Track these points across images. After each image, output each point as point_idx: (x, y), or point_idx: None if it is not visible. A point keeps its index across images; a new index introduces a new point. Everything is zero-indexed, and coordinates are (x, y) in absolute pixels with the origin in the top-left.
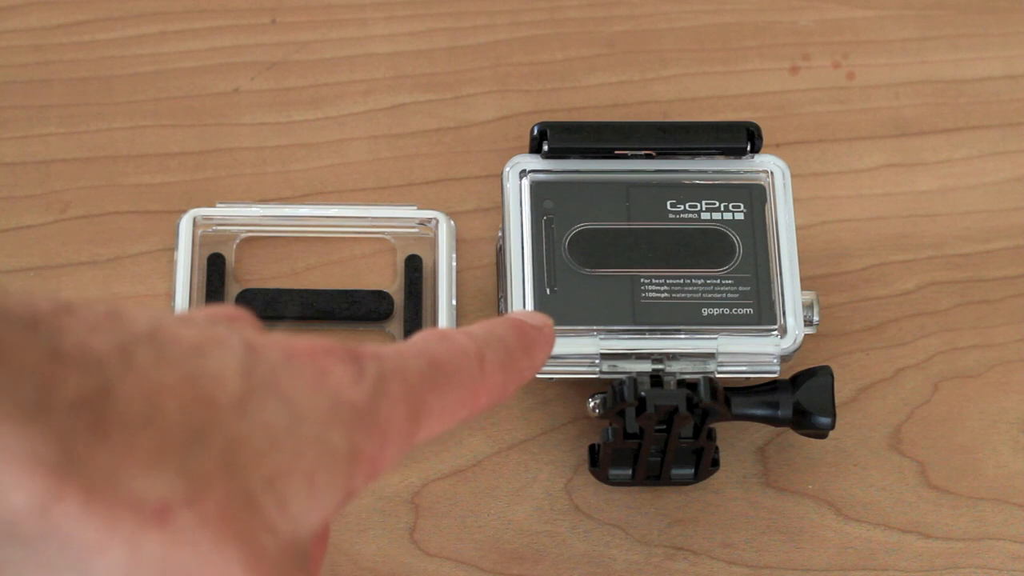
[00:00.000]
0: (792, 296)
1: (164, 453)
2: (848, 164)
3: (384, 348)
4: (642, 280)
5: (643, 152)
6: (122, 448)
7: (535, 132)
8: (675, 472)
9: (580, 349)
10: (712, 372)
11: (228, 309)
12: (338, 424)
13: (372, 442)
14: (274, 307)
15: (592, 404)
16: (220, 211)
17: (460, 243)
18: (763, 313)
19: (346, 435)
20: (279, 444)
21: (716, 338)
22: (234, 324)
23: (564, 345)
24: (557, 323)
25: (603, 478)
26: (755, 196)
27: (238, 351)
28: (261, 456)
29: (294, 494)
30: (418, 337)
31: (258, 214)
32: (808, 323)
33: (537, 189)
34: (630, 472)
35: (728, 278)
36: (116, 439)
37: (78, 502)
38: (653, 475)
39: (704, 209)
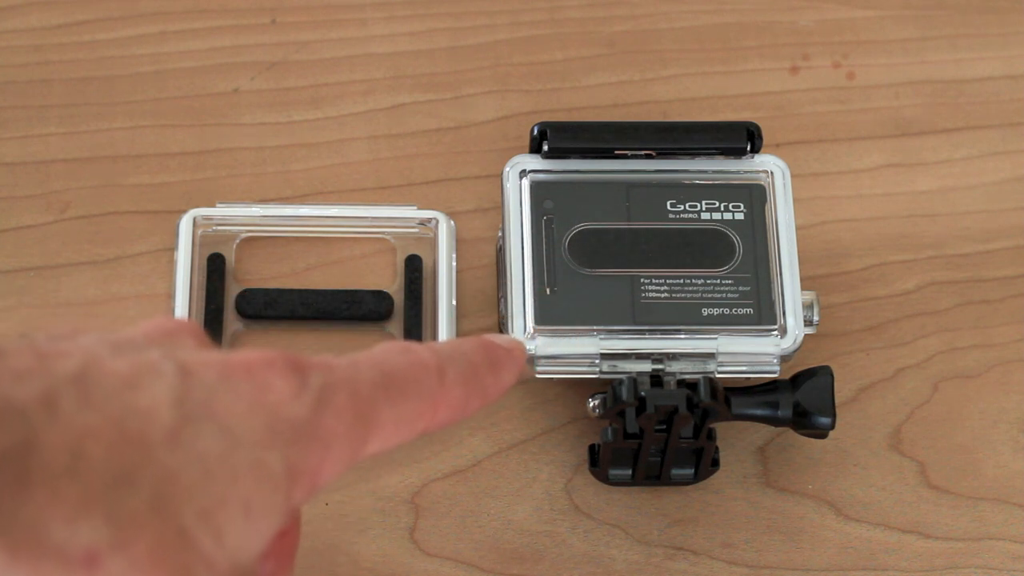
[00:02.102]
0: (792, 296)
1: (90, 500)
2: (848, 164)
3: (336, 359)
4: (642, 280)
5: (643, 152)
6: (46, 499)
7: (535, 132)
8: (675, 472)
9: (580, 349)
10: (712, 372)
11: (169, 322)
12: (276, 444)
13: (312, 457)
14: (274, 307)
15: (592, 404)
16: (220, 211)
17: (460, 243)
18: (763, 313)
19: (283, 454)
20: (213, 474)
21: (716, 338)
22: (174, 341)
23: (564, 345)
24: (557, 323)
25: (603, 478)
26: (755, 196)
27: (171, 379)
28: (194, 489)
29: (230, 524)
30: (378, 348)
31: (258, 214)
32: (808, 323)
33: (537, 189)
34: (630, 472)
35: (728, 278)
36: (40, 491)
37: (3, 557)
38: (653, 475)
39: (704, 209)
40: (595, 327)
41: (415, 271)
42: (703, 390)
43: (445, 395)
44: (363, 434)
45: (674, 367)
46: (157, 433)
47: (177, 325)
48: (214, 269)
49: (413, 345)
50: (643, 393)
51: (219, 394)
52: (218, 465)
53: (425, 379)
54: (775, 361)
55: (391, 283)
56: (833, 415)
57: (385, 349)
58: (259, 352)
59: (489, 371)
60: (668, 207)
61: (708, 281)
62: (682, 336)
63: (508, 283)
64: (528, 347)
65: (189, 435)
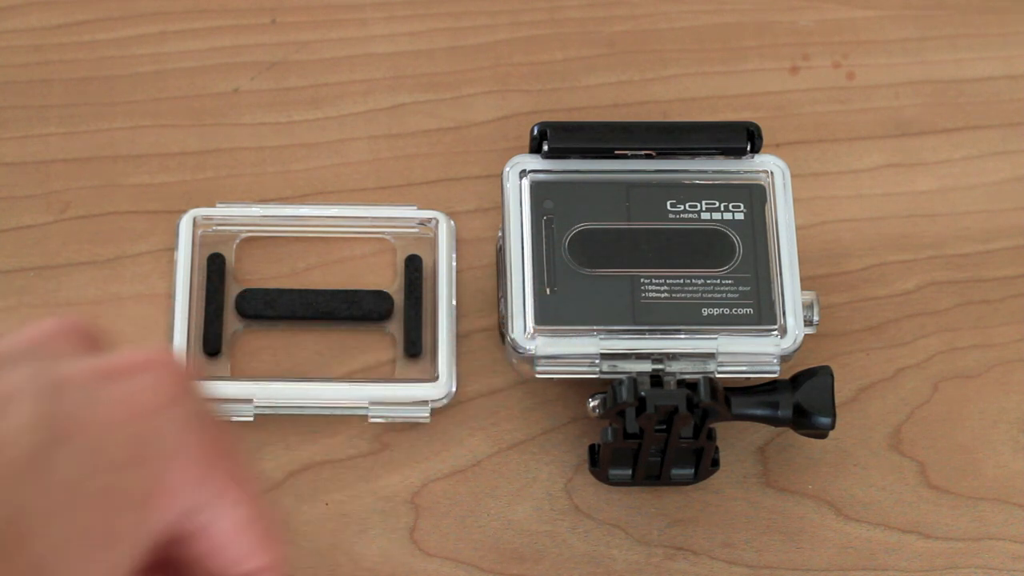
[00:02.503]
0: (792, 296)
1: None
2: (848, 164)
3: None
4: (642, 280)
5: (643, 152)
6: None
7: (535, 132)
8: (675, 472)
9: (580, 349)
10: (712, 372)
11: (54, 324)
12: (136, 464)
13: (174, 474)
14: (274, 307)
15: (592, 404)
16: (220, 211)
17: (460, 243)
18: (763, 313)
19: (144, 474)
20: (74, 500)
21: (716, 338)
22: (57, 346)
23: (564, 345)
24: (557, 323)
25: (603, 478)
26: (755, 196)
27: (33, 400)
28: (51, 519)
29: (92, 551)
30: None
31: (258, 214)
32: (808, 323)
33: (537, 189)
34: (630, 472)
35: (728, 278)
36: None
37: None
38: (653, 475)
39: (704, 209)
40: (595, 327)
41: (415, 271)
42: (703, 390)
43: None
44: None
45: (674, 367)
46: (12, 465)
47: (62, 326)
48: (214, 269)
49: None
50: (643, 393)
51: (84, 410)
52: (79, 489)
53: None
54: (775, 361)
55: (391, 283)
56: (833, 415)
57: None
58: (142, 350)
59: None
60: (668, 207)
61: (708, 281)
62: (682, 336)
63: (508, 283)
64: (528, 347)
65: (47, 461)
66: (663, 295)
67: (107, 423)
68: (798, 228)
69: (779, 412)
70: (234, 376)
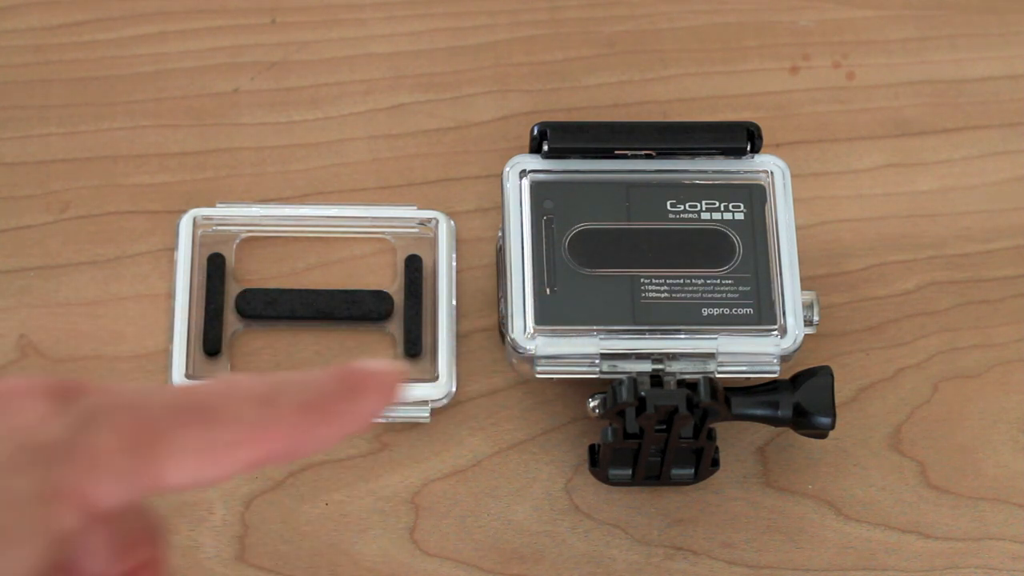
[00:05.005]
0: (792, 296)
1: None
2: (848, 164)
3: (118, 386)
4: (642, 280)
5: (643, 152)
6: None
7: (535, 132)
8: (675, 472)
9: (580, 349)
10: (712, 372)
11: None
12: (21, 467)
13: (72, 476)
14: (274, 307)
15: (592, 404)
16: (220, 211)
17: (460, 243)
18: (763, 313)
19: (31, 477)
20: None
21: (716, 338)
22: None
23: (564, 345)
24: (557, 323)
25: (603, 478)
26: (755, 196)
27: None
28: None
29: None
30: (199, 383)
31: (258, 214)
32: (808, 323)
33: (537, 189)
34: (630, 472)
35: (728, 278)
36: None
37: None
38: (653, 475)
39: (704, 209)
40: (595, 327)
41: (415, 271)
42: (703, 390)
43: (275, 424)
44: (148, 456)
45: (674, 367)
46: None
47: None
48: (214, 269)
49: (242, 377)
50: (643, 393)
51: None
52: None
53: (243, 408)
54: (775, 361)
55: (391, 283)
56: (833, 415)
57: (206, 382)
58: (20, 380)
59: (345, 399)
60: (668, 207)
61: (708, 281)
62: (682, 336)
63: (508, 283)
64: (528, 347)
65: None
66: (663, 295)
67: None
68: (798, 228)
69: (779, 412)
70: None
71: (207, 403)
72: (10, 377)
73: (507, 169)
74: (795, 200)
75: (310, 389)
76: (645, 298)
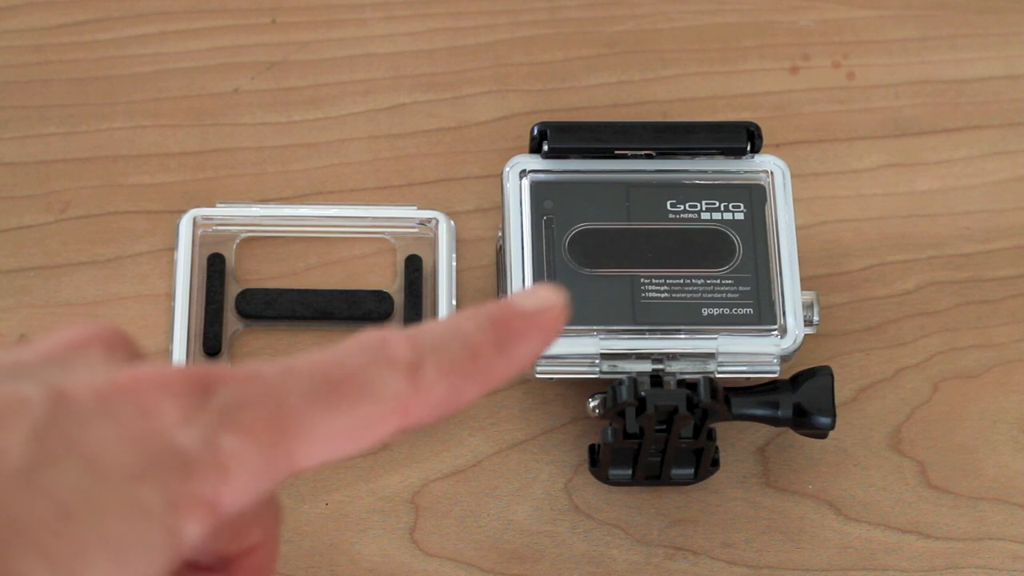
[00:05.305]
0: (792, 296)
1: None
2: (848, 164)
3: (266, 366)
4: (642, 280)
5: (643, 152)
6: None
7: (535, 132)
8: (675, 472)
9: (580, 349)
10: (712, 372)
11: (79, 332)
12: (153, 476)
13: (204, 486)
14: (274, 307)
15: (592, 404)
16: (220, 211)
17: (460, 243)
18: (763, 313)
19: (163, 487)
20: (73, 516)
21: (716, 338)
22: (77, 356)
23: (564, 345)
24: None
25: (603, 478)
26: (755, 196)
27: (35, 413)
28: (46, 534)
29: (92, 567)
30: (341, 344)
31: (258, 214)
32: (808, 323)
33: (537, 189)
34: (630, 472)
35: (728, 278)
36: None
37: None
38: (653, 475)
39: (704, 209)
40: (595, 327)
41: (415, 271)
42: (703, 390)
43: (419, 394)
44: (283, 451)
45: (674, 367)
46: (5, 476)
47: (89, 335)
48: (214, 269)
49: (388, 338)
50: (643, 393)
51: (94, 422)
52: (80, 505)
53: (389, 380)
54: (775, 361)
55: (391, 283)
56: (833, 415)
57: (347, 346)
58: (155, 371)
59: (497, 352)
60: (668, 207)
61: (708, 281)
62: (682, 336)
63: (508, 283)
64: None
65: (45, 474)
66: (663, 295)
67: (109, 442)
68: (798, 228)
69: (779, 412)
70: None
71: (349, 377)
72: (145, 366)
73: (507, 169)
74: (795, 200)
75: (460, 345)
76: (645, 298)
